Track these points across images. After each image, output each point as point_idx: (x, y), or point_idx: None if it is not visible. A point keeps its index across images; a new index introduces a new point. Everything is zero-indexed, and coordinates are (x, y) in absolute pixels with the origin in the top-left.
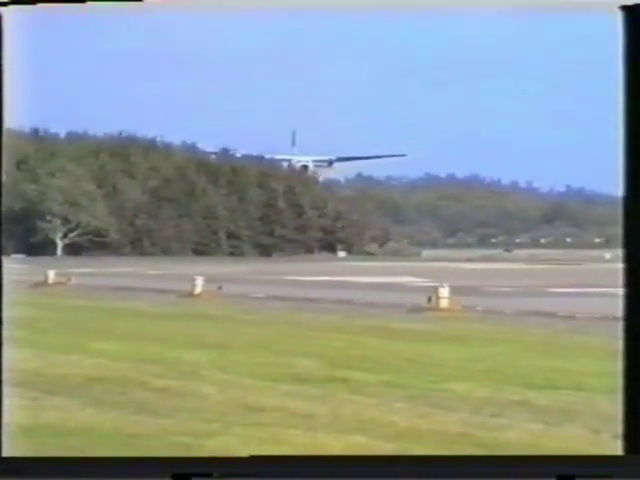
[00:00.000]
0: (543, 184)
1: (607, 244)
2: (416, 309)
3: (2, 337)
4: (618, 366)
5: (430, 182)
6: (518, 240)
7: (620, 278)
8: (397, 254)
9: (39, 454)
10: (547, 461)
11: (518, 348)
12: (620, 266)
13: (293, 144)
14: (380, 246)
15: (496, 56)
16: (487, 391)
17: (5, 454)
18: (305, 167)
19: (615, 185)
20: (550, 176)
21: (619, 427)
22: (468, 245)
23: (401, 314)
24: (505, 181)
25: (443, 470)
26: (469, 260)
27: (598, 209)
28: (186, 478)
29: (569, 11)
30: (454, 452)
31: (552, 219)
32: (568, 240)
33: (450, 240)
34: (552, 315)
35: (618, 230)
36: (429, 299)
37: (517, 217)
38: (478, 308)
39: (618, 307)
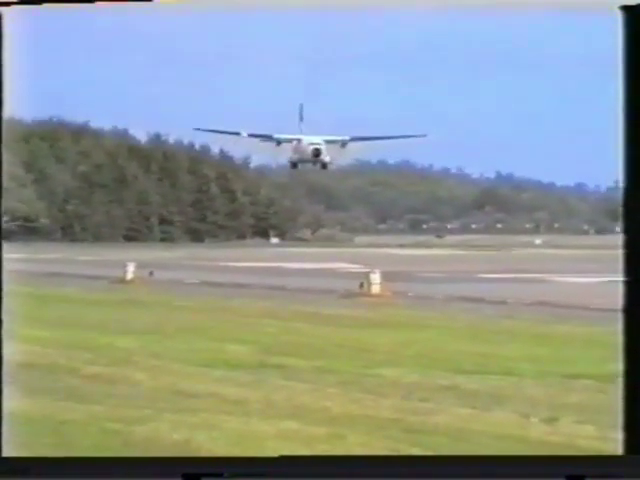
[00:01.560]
0: (474, 170)
1: (537, 230)
2: (348, 295)
3: (1, 335)
4: (546, 350)
5: (361, 168)
6: (449, 226)
7: (550, 263)
8: (330, 240)
9: None
10: (556, 461)
11: (448, 333)
12: (549, 251)
13: (301, 119)
14: (313, 232)
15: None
16: (417, 376)
17: (5, 454)
18: (318, 150)
19: (543, 172)
20: (480, 162)
21: (547, 411)
22: (400, 231)
23: (333, 300)
24: (437, 167)
25: (451, 470)
26: (401, 246)
27: (527, 195)
28: (196, 478)
29: (569, 11)
30: (384, 437)
31: (482, 205)
32: (498, 226)
33: (382, 226)
34: (482, 300)
35: (546, 215)
36: (361, 285)
37: (448, 203)
38: (409, 294)
39: (548, 292)
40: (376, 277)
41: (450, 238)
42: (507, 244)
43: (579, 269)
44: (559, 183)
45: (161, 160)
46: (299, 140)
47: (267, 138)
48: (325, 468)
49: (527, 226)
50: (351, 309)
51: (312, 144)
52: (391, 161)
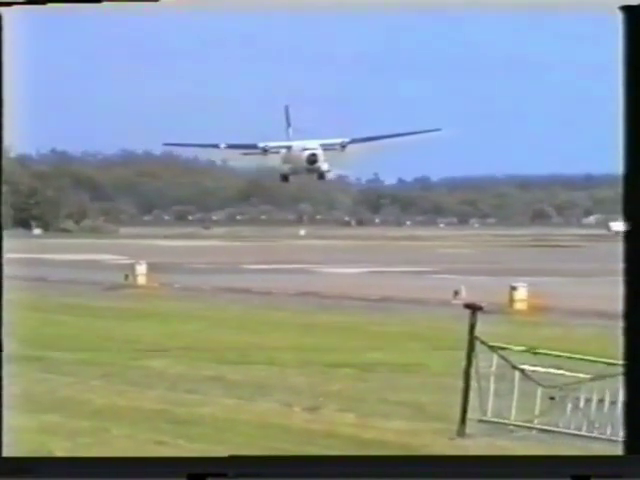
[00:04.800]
0: (238, 162)
1: (300, 221)
2: (113, 287)
3: (1, 335)
4: (310, 340)
5: (127, 158)
6: (215, 217)
7: (314, 254)
8: (94, 231)
9: None
10: (562, 461)
11: (214, 324)
12: (313, 242)
13: (288, 124)
14: (76, 223)
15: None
16: (183, 367)
17: (5, 454)
18: (314, 156)
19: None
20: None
21: (309, 400)
22: (166, 222)
23: (98, 292)
24: (202, 158)
25: (456, 470)
26: (167, 237)
27: (291, 187)
28: (201, 478)
29: (569, 11)
30: (149, 428)
31: (248, 196)
32: (263, 217)
33: (147, 217)
34: (248, 291)
35: (310, 207)
36: (126, 277)
37: (214, 194)
38: (176, 285)
39: (312, 282)
40: (142, 268)
41: (216, 229)
42: (272, 235)
43: (342, 259)
44: None
45: None
46: (289, 147)
47: (250, 148)
48: (329, 468)
49: (291, 217)
50: (116, 301)
51: (307, 150)
52: (157, 152)
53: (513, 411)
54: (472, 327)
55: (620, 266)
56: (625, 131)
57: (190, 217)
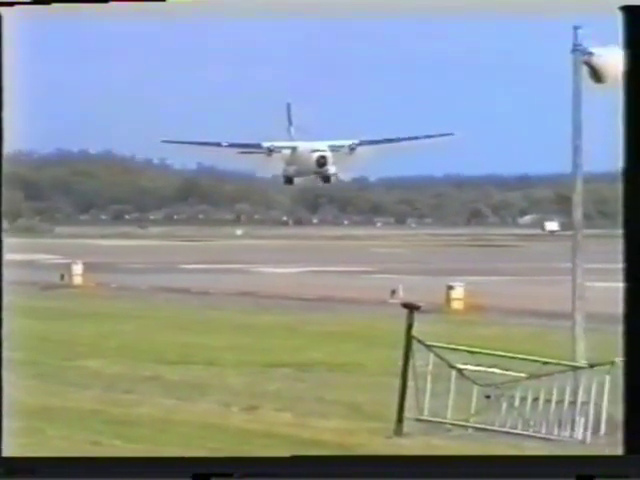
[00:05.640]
0: (175, 161)
1: (238, 221)
2: (49, 286)
3: (1, 336)
4: (248, 340)
5: (62, 158)
6: (152, 217)
7: (252, 253)
8: (29, 231)
9: None
10: (567, 461)
11: (152, 324)
12: (251, 242)
13: (290, 122)
14: (10, 223)
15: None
16: (120, 367)
17: (5, 454)
18: (323, 158)
19: (244, 163)
20: (182, 153)
21: (247, 400)
22: (102, 222)
23: (34, 292)
24: (139, 158)
25: (462, 470)
26: (103, 237)
27: (229, 187)
28: (206, 478)
29: (570, 11)
30: (85, 429)
31: (185, 196)
32: (201, 217)
33: (84, 217)
34: (186, 291)
35: (247, 207)
36: (62, 276)
37: (151, 194)
38: (112, 285)
39: (250, 282)
40: (78, 268)
41: (153, 229)
42: (210, 235)
43: (279, 259)
44: (259, 175)
45: None
46: (294, 148)
47: (254, 148)
48: (335, 468)
49: (229, 217)
50: (52, 301)
51: (315, 151)
52: (93, 151)
53: (449, 410)
54: (409, 326)
55: (555, 265)
56: (625, 131)
57: (127, 216)
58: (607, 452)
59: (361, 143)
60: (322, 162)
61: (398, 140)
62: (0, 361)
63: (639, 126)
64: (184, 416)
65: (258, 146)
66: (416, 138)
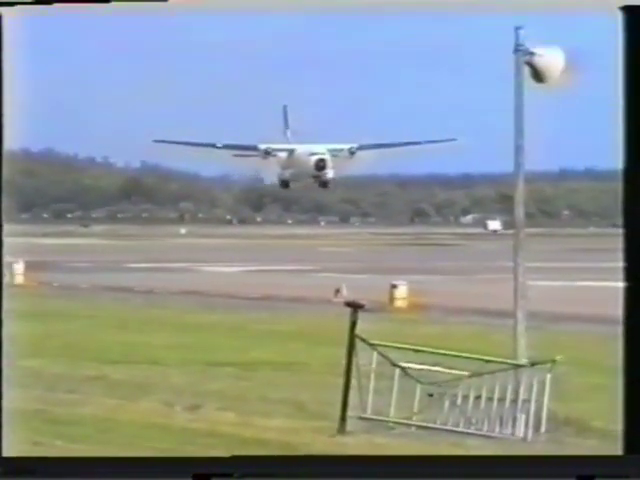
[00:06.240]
0: (119, 159)
1: (182, 219)
2: None
3: (2, 340)
4: (192, 339)
5: (4, 156)
6: (95, 215)
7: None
8: None
9: None
10: (567, 461)
11: (95, 323)
12: (195, 241)
13: (286, 125)
14: None
15: None
16: (63, 367)
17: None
18: (322, 162)
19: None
20: (126, 152)
21: (190, 399)
22: (44, 220)
23: None
24: (81, 156)
25: (461, 470)
26: (45, 235)
27: (173, 185)
28: (206, 478)
29: (569, 11)
30: (27, 429)
31: (129, 194)
32: (144, 215)
33: (25, 215)
34: (129, 290)
35: (191, 206)
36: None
37: (94, 192)
38: (55, 284)
39: (194, 281)
40: (19, 267)
41: (96, 228)
42: (153, 234)
43: (224, 258)
44: (204, 174)
45: None
46: (291, 151)
47: (250, 149)
48: (334, 468)
49: (172, 216)
50: None
51: (314, 154)
52: (35, 149)
53: (392, 408)
54: (353, 325)
55: (497, 264)
56: (625, 131)
57: (69, 215)
58: (547, 450)
59: (361, 147)
60: (321, 165)
61: (399, 144)
62: (0, 365)
63: (639, 126)
64: (127, 416)
65: (254, 148)
66: (418, 143)
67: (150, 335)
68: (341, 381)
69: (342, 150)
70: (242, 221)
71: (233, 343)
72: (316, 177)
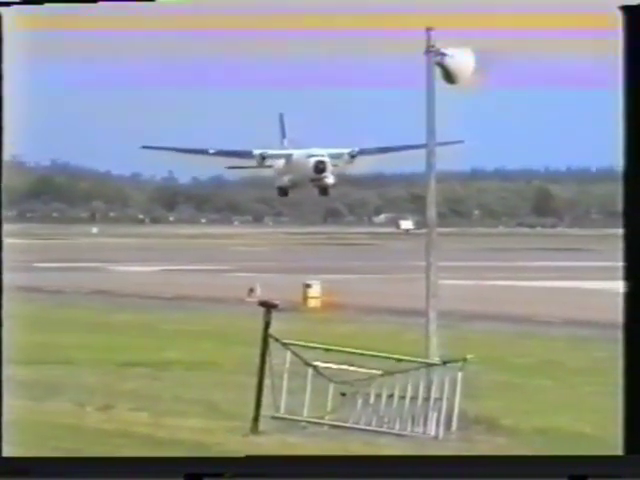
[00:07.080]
0: (29, 158)
1: (93, 218)
2: None
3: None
4: (103, 339)
5: None
6: (4, 214)
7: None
8: None
9: None
10: (559, 461)
11: (3, 323)
12: (106, 240)
13: (283, 135)
14: None
15: None
16: None
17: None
18: (322, 163)
19: (100, 161)
20: (35, 150)
21: (102, 399)
22: None
23: None
24: None
25: (456, 470)
26: None
27: (84, 184)
28: (198, 478)
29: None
30: None
31: (39, 194)
32: (55, 215)
33: None
34: (39, 290)
35: (102, 205)
36: None
37: (3, 191)
38: None
39: (105, 281)
40: None
41: (6, 227)
42: (64, 233)
43: (135, 258)
44: (115, 172)
45: None
46: (288, 156)
47: (244, 155)
48: (325, 468)
49: (83, 215)
50: None
51: (313, 156)
52: None
53: (305, 408)
54: (266, 325)
55: (409, 263)
56: (625, 131)
57: None
58: (459, 447)
59: (362, 151)
60: (321, 168)
61: (401, 149)
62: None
63: (639, 127)
64: (37, 416)
65: (249, 154)
66: (420, 147)
67: (60, 335)
68: (254, 381)
69: (342, 154)
70: (155, 220)
71: (145, 343)
72: (315, 181)
